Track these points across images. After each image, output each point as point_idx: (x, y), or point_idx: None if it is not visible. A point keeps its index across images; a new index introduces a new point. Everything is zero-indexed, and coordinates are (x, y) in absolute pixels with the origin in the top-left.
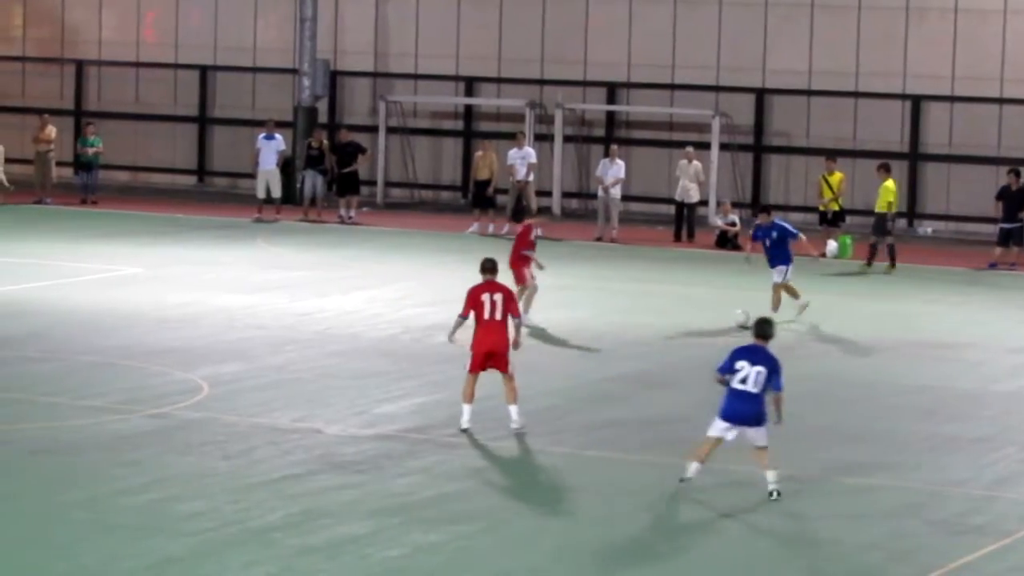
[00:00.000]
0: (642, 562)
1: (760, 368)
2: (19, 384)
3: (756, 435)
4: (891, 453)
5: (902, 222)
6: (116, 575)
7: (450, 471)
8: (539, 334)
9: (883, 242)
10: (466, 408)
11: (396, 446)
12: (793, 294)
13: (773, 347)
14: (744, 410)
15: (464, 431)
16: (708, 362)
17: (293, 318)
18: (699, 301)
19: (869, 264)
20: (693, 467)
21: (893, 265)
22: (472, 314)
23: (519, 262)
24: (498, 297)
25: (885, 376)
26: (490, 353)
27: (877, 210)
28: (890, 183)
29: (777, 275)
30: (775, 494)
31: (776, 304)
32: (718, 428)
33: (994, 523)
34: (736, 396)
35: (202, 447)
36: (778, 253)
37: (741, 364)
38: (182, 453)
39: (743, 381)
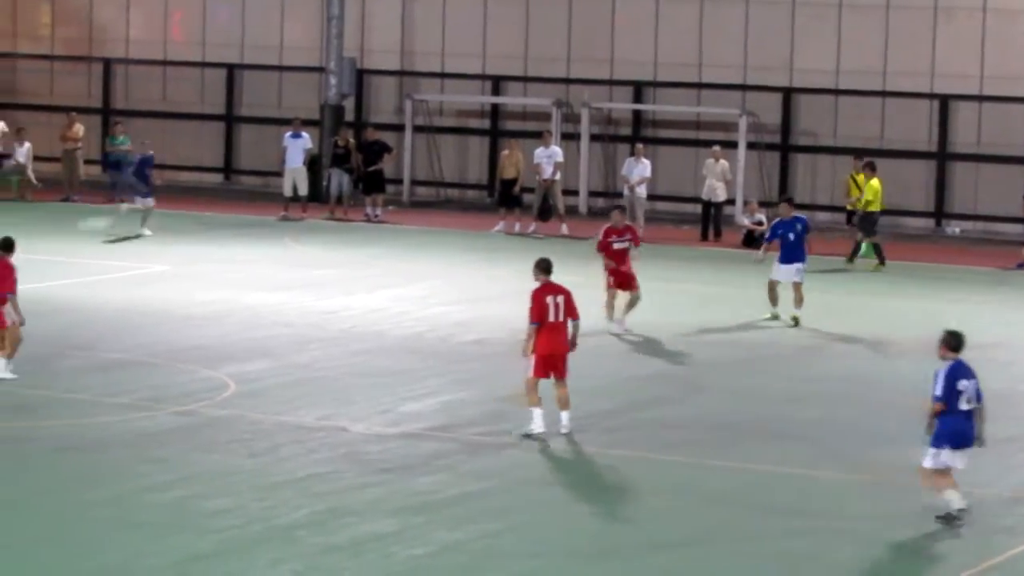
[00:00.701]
0: (667, 560)
1: (975, 381)
2: (45, 381)
3: (965, 457)
4: (920, 454)
5: (930, 222)
6: (141, 573)
7: (475, 470)
8: None
9: (868, 239)
10: (537, 412)
11: (421, 444)
12: (799, 299)
13: (784, 346)
14: (970, 431)
15: (532, 436)
16: (735, 361)
17: (319, 316)
18: (725, 300)
19: (882, 263)
20: (956, 497)
21: (852, 260)
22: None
23: (618, 267)
24: (560, 299)
25: (911, 376)
26: (552, 355)
27: (867, 209)
28: (875, 182)
29: (796, 274)
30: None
31: (799, 301)
32: (945, 458)
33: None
34: (965, 418)
35: (228, 445)
36: (798, 250)
37: (964, 384)
38: (208, 451)
39: (968, 400)
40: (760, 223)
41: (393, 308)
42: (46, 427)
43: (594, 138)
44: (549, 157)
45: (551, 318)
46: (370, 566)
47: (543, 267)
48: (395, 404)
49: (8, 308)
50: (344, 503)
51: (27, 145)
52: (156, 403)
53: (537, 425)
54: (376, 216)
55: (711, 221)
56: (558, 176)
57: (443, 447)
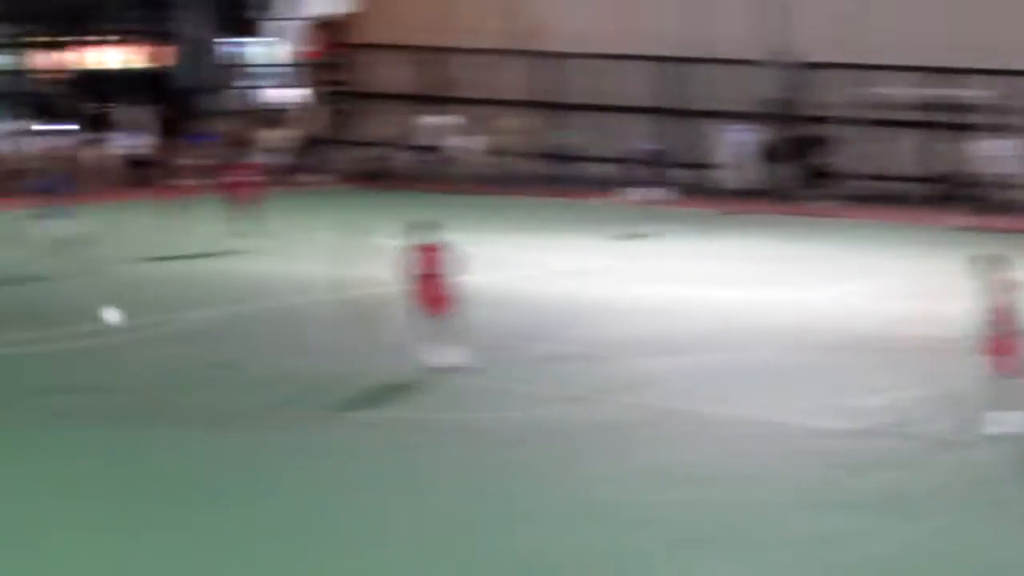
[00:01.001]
0: None
1: None
2: (492, 372)
3: None
4: None
5: None
6: (583, 566)
7: (931, 468)
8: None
9: None
10: (1005, 413)
11: (874, 441)
12: None
13: None
14: None
15: (998, 436)
16: None
17: (765, 310)
18: None
19: None
20: None
21: None
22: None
23: None
24: (1018, 296)
25: None
26: (1011, 354)
27: None
28: None
29: None
30: None
31: None
32: None
33: None
34: None
35: (673, 438)
36: None
37: None
38: (653, 444)
39: None
40: None
41: (841, 302)
42: (494, 418)
43: None
44: (1002, 151)
45: (1011, 316)
46: (828, 561)
47: (1000, 264)
48: (845, 399)
49: (446, 292)
50: (797, 498)
51: (476, 138)
52: (603, 395)
53: (1004, 424)
54: (821, 209)
55: None
56: (1013, 171)
57: (897, 444)
